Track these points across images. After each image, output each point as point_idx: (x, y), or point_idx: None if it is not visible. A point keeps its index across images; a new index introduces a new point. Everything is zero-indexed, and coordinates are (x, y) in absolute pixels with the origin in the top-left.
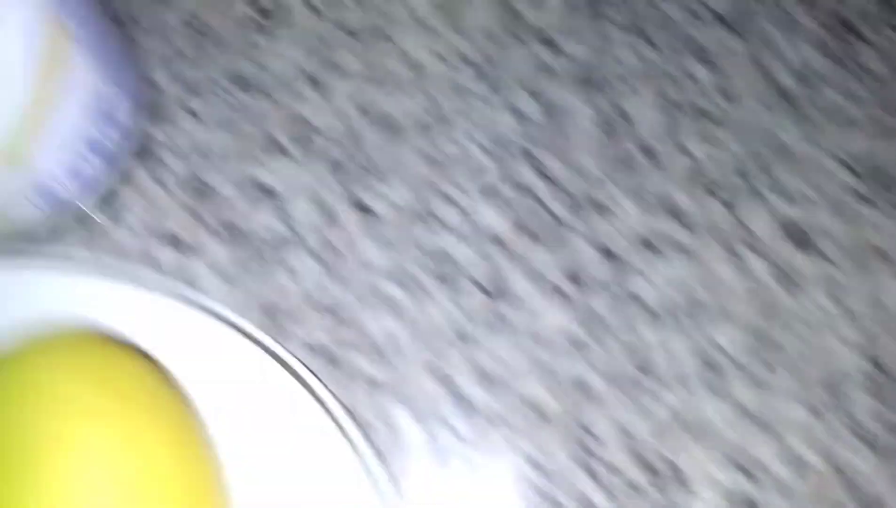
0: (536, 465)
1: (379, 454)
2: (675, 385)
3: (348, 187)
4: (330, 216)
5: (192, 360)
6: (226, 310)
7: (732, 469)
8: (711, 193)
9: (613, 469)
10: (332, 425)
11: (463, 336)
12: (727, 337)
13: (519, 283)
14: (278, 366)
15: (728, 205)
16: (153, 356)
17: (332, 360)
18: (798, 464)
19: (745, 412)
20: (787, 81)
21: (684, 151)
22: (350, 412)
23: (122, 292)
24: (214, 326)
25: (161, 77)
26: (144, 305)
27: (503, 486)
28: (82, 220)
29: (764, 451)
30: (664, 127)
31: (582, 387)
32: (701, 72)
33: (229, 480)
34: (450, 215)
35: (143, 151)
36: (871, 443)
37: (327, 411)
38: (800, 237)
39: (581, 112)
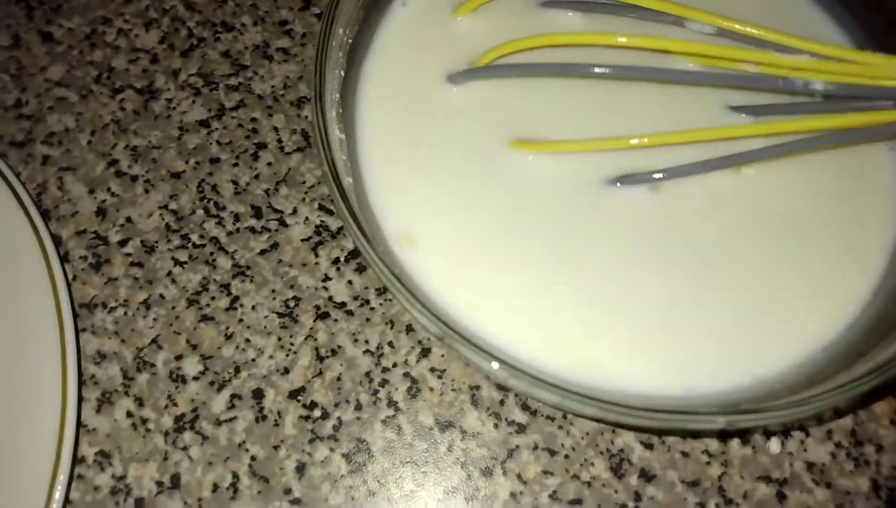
0: (172, 211)
1: (48, 213)
2: (279, 154)
3: (35, 21)
4: (20, 43)
5: None
6: None
7: (317, 209)
8: (316, 16)
9: (230, 213)
10: (12, 194)
11: (124, 128)
12: None
13: (166, 85)
14: None
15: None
16: None
17: (26, 151)
18: None
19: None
20: None
21: None
22: (25, 183)
23: None
24: None
25: None
26: None
27: (147, 229)
28: None
29: None
30: None
31: (206, 155)
32: None
33: None
34: (114, 36)
35: None
36: None
37: (10, 185)
38: None
39: None
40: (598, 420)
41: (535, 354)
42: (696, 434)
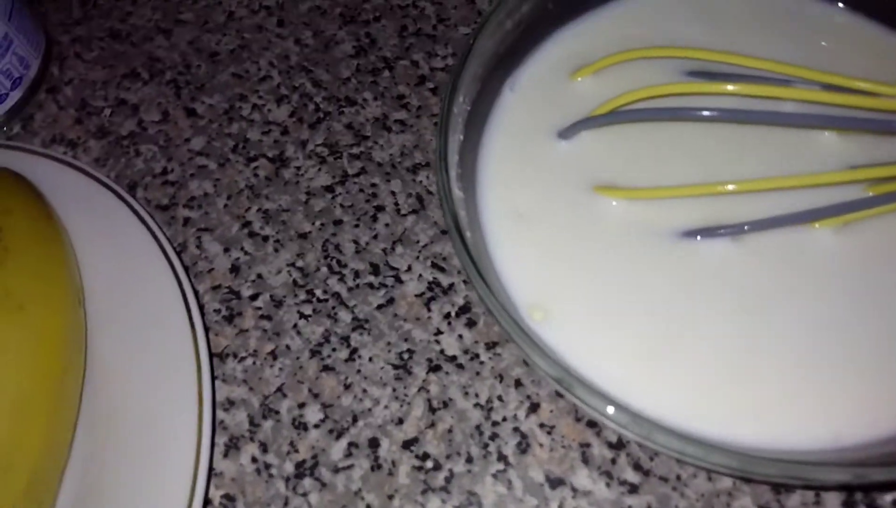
0: (299, 268)
1: (188, 268)
2: (395, 215)
3: (182, 99)
4: (168, 119)
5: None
6: (99, 174)
7: (430, 267)
8: (431, 91)
9: (351, 270)
10: (161, 252)
11: (257, 193)
12: (430, 180)
13: (295, 154)
14: (131, 214)
15: (436, 93)
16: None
17: (170, 214)
18: None
19: (438, 226)
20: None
21: (414, 64)
22: (171, 241)
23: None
24: (91, 184)
25: (55, 30)
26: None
27: (276, 285)
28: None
29: (449, 249)
30: (399, 47)
31: (330, 217)
32: (429, 8)
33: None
34: (249, 111)
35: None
36: None
37: (160, 244)
38: None
39: (342, 38)
40: (727, 475)
41: (673, 417)
42: (821, 490)
